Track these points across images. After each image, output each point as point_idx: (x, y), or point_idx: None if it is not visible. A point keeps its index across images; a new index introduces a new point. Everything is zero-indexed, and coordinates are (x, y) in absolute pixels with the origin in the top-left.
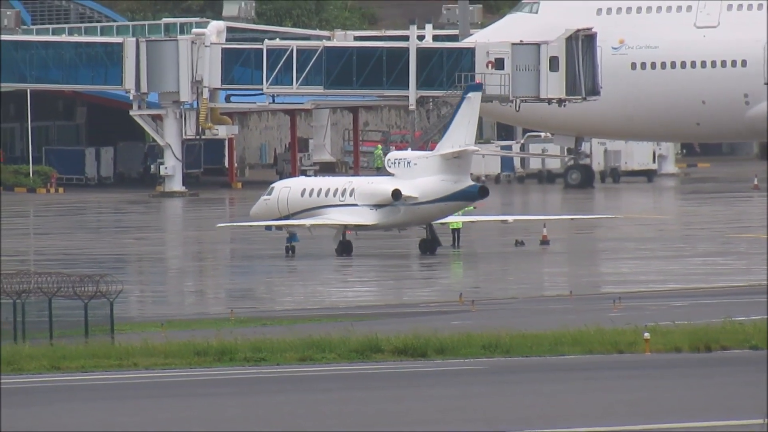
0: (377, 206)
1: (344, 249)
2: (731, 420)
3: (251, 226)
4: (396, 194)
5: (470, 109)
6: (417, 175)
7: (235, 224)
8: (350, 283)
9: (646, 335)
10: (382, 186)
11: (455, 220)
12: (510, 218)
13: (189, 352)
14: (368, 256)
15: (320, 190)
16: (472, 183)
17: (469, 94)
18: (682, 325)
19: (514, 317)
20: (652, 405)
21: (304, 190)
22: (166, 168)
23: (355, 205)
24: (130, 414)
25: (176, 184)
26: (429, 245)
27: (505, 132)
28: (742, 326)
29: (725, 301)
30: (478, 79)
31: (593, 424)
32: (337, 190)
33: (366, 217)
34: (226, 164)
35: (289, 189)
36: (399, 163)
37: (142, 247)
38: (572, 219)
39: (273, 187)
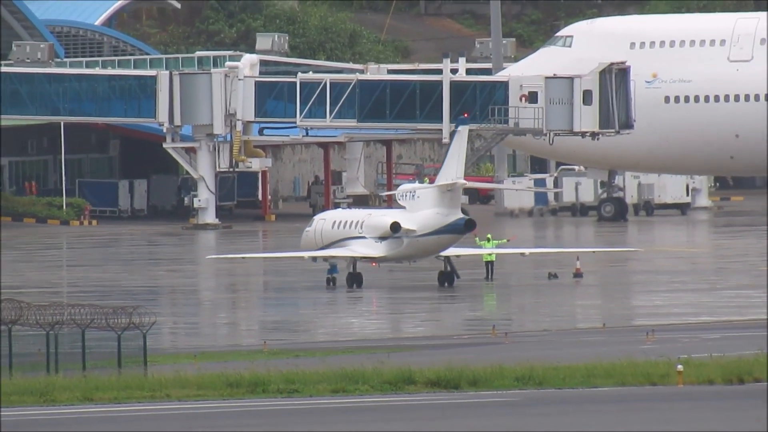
0: (381, 239)
1: (354, 280)
2: None
3: (243, 258)
4: (394, 227)
5: (459, 143)
6: (419, 207)
7: (225, 256)
8: (381, 315)
9: (679, 367)
10: (383, 219)
11: (488, 252)
12: (527, 251)
13: (221, 383)
14: (396, 288)
15: (346, 222)
16: (460, 216)
17: (459, 128)
18: (715, 358)
19: (547, 349)
20: None
21: (335, 222)
22: (199, 200)
23: (364, 237)
24: None
25: (209, 217)
26: (447, 277)
27: (538, 165)
28: None
29: (758, 333)
30: (465, 113)
31: None
32: (353, 223)
33: (373, 249)
34: (260, 197)
35: (324, 221)
36: (406, 195)
37: (175, 279)
38: (593, 252)
39: (313, 219)
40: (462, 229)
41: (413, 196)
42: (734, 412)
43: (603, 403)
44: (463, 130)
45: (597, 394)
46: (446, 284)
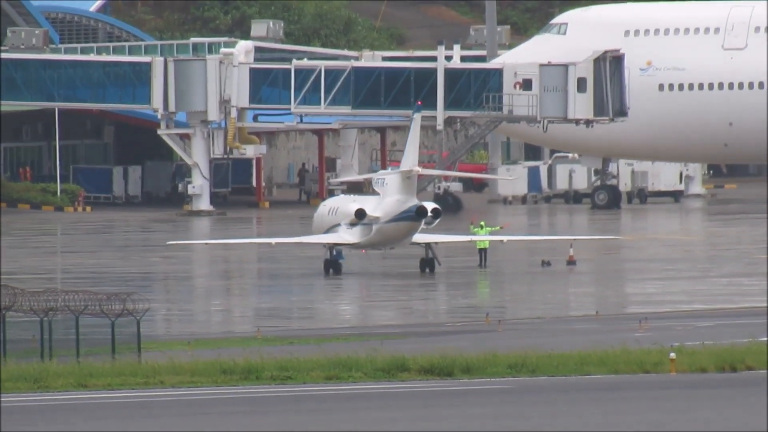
0: (352, 225)
1: (330, 267)
2: None
3: (206, 243)
4: (359, 214)
5: (414, 131)
6: (386, 194)
7: (186, 242)
8: (374, 302)
9: (672, 355)
10: (351, 206)
11: (482, 239)
12: (504, 239)
13: (215, 370)
14: (391, 276)
15: (337, 209)
16: (413, 204)
17: (414, 115)
18: (707, 346)
19: (540, 337)
20: (678, 425)
21: (330, 209)
22: (193, 187)
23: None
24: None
25: (203, 204)
26: (428, 264)
27: (532, 153)
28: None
29: (751, 321)
30: (419, 101)
31: None
32: (337, 209)
33: (348, 236)
34: (254, 184)
35: (325, 207)
36: (379, 182)
37: (169, 266)
38: (574, 239)
39: (320, 205)
40: (414, 217)
41: (383, 183)
42: (727, 401)
43: (596, 391)
44: (417, 117)
45: (590, 381)
46: (427, 270)
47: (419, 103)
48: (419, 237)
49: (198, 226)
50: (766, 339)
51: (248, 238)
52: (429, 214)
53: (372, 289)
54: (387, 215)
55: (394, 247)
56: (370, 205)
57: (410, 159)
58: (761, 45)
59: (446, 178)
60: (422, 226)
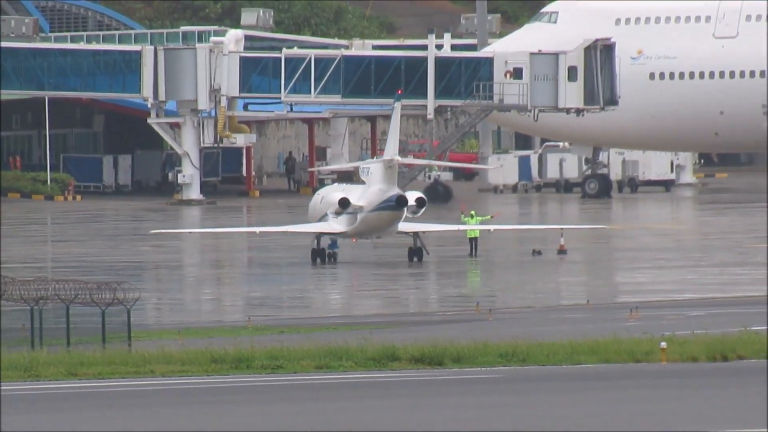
0: (338, 214)
1: (318, 256)
2: (747, 430)
3: (190, 232)
4: (342, 203)
5: (395, 119)
6: (371, 183)
7: (169, 231)
8: (365, 291)
9: (663, 345)
10: (335, 195)
11: (473, 228)
12: (492, 228)
13: (206, 359)
14: (382, 265)
15: (324, 198)
16: (394, 193)
17: (395, 104)
18: (698, 335)
19: (531, 326)
20: (669, 415)
21: (322, 197)
22: (183, 176)
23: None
24: (147, 421)
25: (194, 193)
26: (416, 253)
27: (523, 142)
28: (758, 336)
29: (742, 310)
30: (399, 89)
31: None
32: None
33: (336, 225)
34: (244, 173)
35: (318, 196)
36: (365, 171)
37: (160, 255)
38: (562, 228)
39: (316, 194)
40: (395, 206)
41: (368, 172)
42: (718, 390)
43: (586, 380)
44: (396, 106)
45: (581, 371)
46: (415, 259)
47: (399, 92)
48: (406, 226)
49: (188, 215)
50: (766, 328)
51: (234, 227)
52: (413, 203)
53: (362, 278)
54: (370, 204)
55: (381, 236)
56: (356, 194)
57: (391, 148)
58: (753, 33)
59: (439, 168)
60: (407, 215)
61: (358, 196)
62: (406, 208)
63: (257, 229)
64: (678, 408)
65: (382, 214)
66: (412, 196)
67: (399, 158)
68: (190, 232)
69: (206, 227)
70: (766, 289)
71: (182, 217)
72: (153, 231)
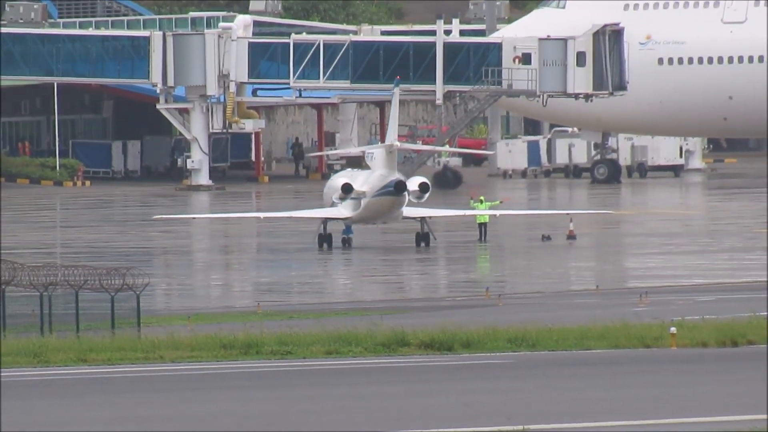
0: (341, 200)
1: (323, 241)
2: (757, 415)
3: (194, 218)
4: (345, 188)
5: (394, 105)
6: (374, 168)
7: (172, 216)
8: (377, 276)
9: (672, 330)
10: (337, 180)
11: (482, 213)
12: (497, 213)
13: (215, 345)
14: (391, 251)
15: (332, 183)
16: (394, 178)
17: (394, 90)
18: (708, 320)
19: (540, 312)
20: (678, 400)
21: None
22: (192, 162)
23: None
24: (156, 407)
25: (203, 178)
26: (423, 238)
27: (531, 127)
28: None
29: (751, 296)
30: (398, 75)
31: (618, 419)
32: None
33: (341, 211)
34: (253, 158)
35: (332, 180)
36: (369, 156)
37: (169, 241)
38: (567, 213)
39: (330, 179)
40: (393, 191)
41: (372, 157)
42: (727, 375)
43: (596, 366)
44: (396, 91)
45: (590, 356)
46: (423, 244)
47: (398, 77)
48: (412, 211)
49: (197, 201)
50: (766, 314)
51: (236, 213)
52: (416, 188)
53: (371, 263)
54: (372, 190)
55: (386, 222)
56: (360, 179)
57: (391, 133)
58: (761, 18)
59: (448, 153)
60: (412, 200)
61: (362, 181)
62: (406, 194)
63: (261, 215)
64: (687, 393)
65: (383, 199)
66: (415, 182)
67: (398, 144)
68: (193, 218)
69: (211, 213)
70: (767, 274)
71: (191, 202)
72: (155, 217)
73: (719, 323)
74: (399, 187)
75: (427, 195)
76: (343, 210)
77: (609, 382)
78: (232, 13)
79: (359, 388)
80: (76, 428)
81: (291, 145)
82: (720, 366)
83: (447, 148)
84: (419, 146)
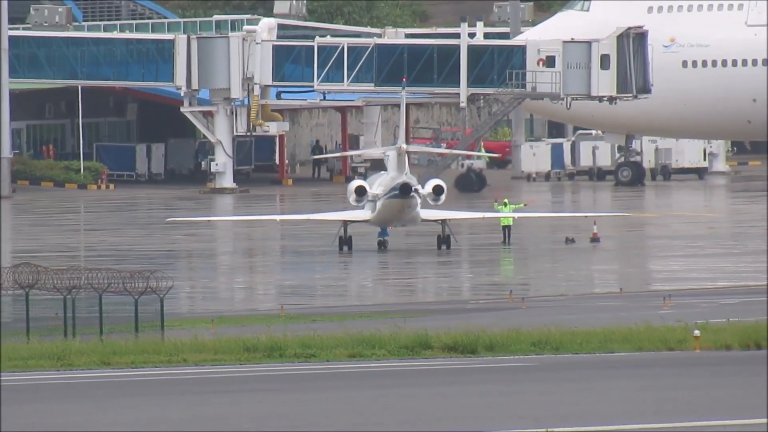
0: (358, 203)
1: (343, 244)
2: None
3: (208, 220)
4: (359, 191)
5: (402, 107)
6: (389, 171)
7: (185, 219)
8: (398, 279)
9: (696, 333)
10: (353, 183)
11: (506, 216)
12: (516, 215)
13: (238, 348)
14: (413, 253)
15: (349, 186)
16: (399, 181)
17: (401, 92)
18: (732, 323)
19: (564, 314)
20: (702, 402)
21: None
22: (216, 165)
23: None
24: (179, 410)
25: (227, 181)
26: (444, 241)
27: (555, 130)
28: None
29: None
30: (404, 77)
31: (642, 422)
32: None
33: (361, 213)
34: (277, 161)
35: (349, 184)
36: (386, 158)
37: (193, 244)
38: (586, 216)
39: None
40: (399, 194)
41: (387, 159)
42: (751, 378)
43: (620, 368)
44: (404, 94)
45: (614, 359)
46: (444, 247)
47: (404, 79)
48: (432, 214)
49: (221, 204)
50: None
51: (255, 215)
52: (429, 191)
53: (394, 266)
54: (384, 192)
55: (405, 225)
56: (377, 182)
57: (401, 136)
58: None
59: (468, 156)
60: (431, 203)
61: (377, 184)
62: (416, 196)
63: (278, 217)
64: (711, 396)
65: (392, 201)
66: (429, 184)
67: (405, 146)
68: (208, 220)
69: (234, 215)
70: (766, 278)
71: (215, 205)
72: (168, 220)
73: (743, 326)
74: (404, 189)
75: (443, 197)
76: (363, 212)
77: (633, 384)
78: (256, 16)
79: (382, 391)
80: (99, 431)
81: (312, 148)
82: (744, 369)
83: (452, 151)
84: (429, 149)
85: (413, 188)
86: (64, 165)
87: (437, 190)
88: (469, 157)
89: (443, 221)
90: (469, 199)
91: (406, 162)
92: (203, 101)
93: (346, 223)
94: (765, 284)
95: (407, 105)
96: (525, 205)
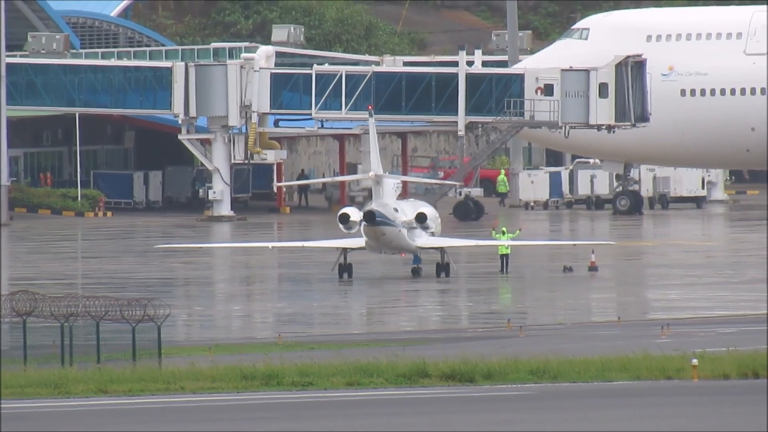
0: (348, 229)
1: (343, 271)
2: None
3: (200, 247)
4: (342, 218)
5: (372, 135)
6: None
7: (174, 246)
8: (397, 307)
9: (694, 362)
10: (341, 210)
11: (503, 244)
12: (507, 243)
13: (236, 376)
14: (412, 281)
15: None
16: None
17: (369, 120)
18: (730, 352)
19: (561, 343)
20: (700, 431)
21: None
22: (214, 192)
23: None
24: None
25: (224, 209)
26: (443, 269)
27: (553, 158)
28: None
29: None
30: (370, 105)
31: None
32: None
33: (356, 241)
34: (275, 189)
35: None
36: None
37: (190, 271)
38: (574, 245)
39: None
40: (365, 222)
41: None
42: (750, 407)
43: (618, 397)
44: (372, 122)
45: (612, 388)
46: (443, 275)
47: (370, 107)
48: (429, 241)
49: (218, 232)
50: (766, 347)
51: (244, 242)
52: (410, 218)
53: (391, 294)
54: (359, 220)
55: (395, 252)
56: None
57: (374, 163)
58: None
59: (466, 184)
60: (422, 230)
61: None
62: (385, 222)
63: (271, 244)
64: (709, 425)
65: (365, 229)
66: (412, 212)
67: (373, 173)
68: (200, 247)
69: (220, 242)
70: (766, 306)
71: (212, 233)
72: (157, 246)
73: (741, 355)
74: (366, 217)
75: (428, 223)
76: (359, 240)
77: (631, 413)
78: (254, 44)
79: (380, 420)
80: None
81: (297, 177)
82: (742, 398)
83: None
84: (402, 177)
85: (377, 216)
86: (61, 192)
87: (420, 218)
88: (467, 185)
89: (442, 249)
90: (468, 227)
91: (385, 189)
92: (201, 129)
93: (345, 251)
94: (762, 313)
95: (404, 133)
96: (520, 230)
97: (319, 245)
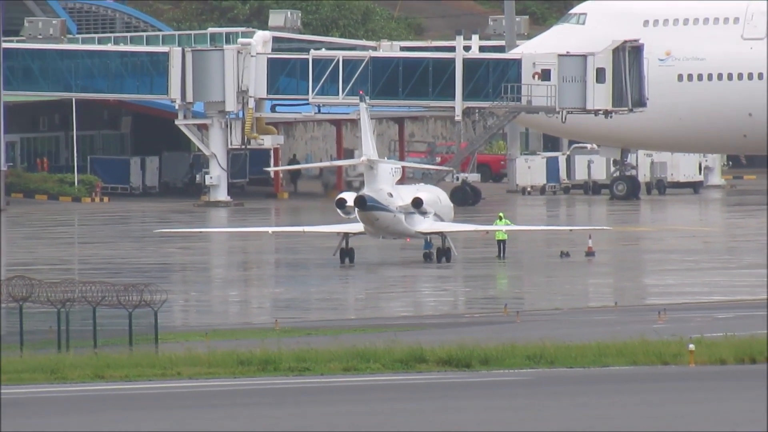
0: (346, 214)
1: (345, 256)
2: None
3: (200, 232)
4: (339, 203)
5: (364, 120)
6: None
7: (174, 230)
8: (395, 292)
9: (691, 347)
10: (338, 195)
11: (500, 229)
12: (488, 228)
13: (233, 361)
14: (410, 266)
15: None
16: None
17: (360, 105)
18: (727, 337)
19: (558, 328)
20: (696, 417)
21: None
22: (211, 178)
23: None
24: (173, 423)
25: (221, 194)
26: (443, 254)
27: (551, 144)
28: None
29: None
30: (360, 90)
31: None
32: None
33: (358, 225)
34: (272, 174)
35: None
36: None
37: (187, 257)
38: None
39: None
40: (358, 207)
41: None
42: (746, 392)
43: (614, 383)
44: (363, 107)
45: (608, 373)
46: (444, 260)
47: (360, 92)
48: (428, 227)
49: (215, 217)
50: (766, 333)
51: (243, 227)
52: (407, 203)
53: (390, 279)
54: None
55: (395, 237)
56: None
57: (365, 148)
58: None
59: (463, 169)
60: (419, 215)
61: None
62: (378, 208)
63: (270, 229)
64: (705, 410)
65: (359, 214)
66: (408, 197)
67: (365, 159)
68: (200, 232)
69: (225, 228)
70: (766, 291)
71: (209, 218)
72: (157, 231)
73: (738, 340)
74: (357, 202)
75: (425, 209)
76: (359, 225)
77: (627, 399)
78: (251, 29)
79: (377, 405)
80: None
81: (288, 162)
82: (739, 383)
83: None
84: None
85: (368, 201)
86: (58, 178)
87: (416, 203)
88: (464, 170)
89: (443, 234)
90: (465, 212)
91: (379, 174)
92: (198, 114)
93: (347, 235)
94: (759, 298)
95: (401, 118)
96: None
97: (319, 230)
